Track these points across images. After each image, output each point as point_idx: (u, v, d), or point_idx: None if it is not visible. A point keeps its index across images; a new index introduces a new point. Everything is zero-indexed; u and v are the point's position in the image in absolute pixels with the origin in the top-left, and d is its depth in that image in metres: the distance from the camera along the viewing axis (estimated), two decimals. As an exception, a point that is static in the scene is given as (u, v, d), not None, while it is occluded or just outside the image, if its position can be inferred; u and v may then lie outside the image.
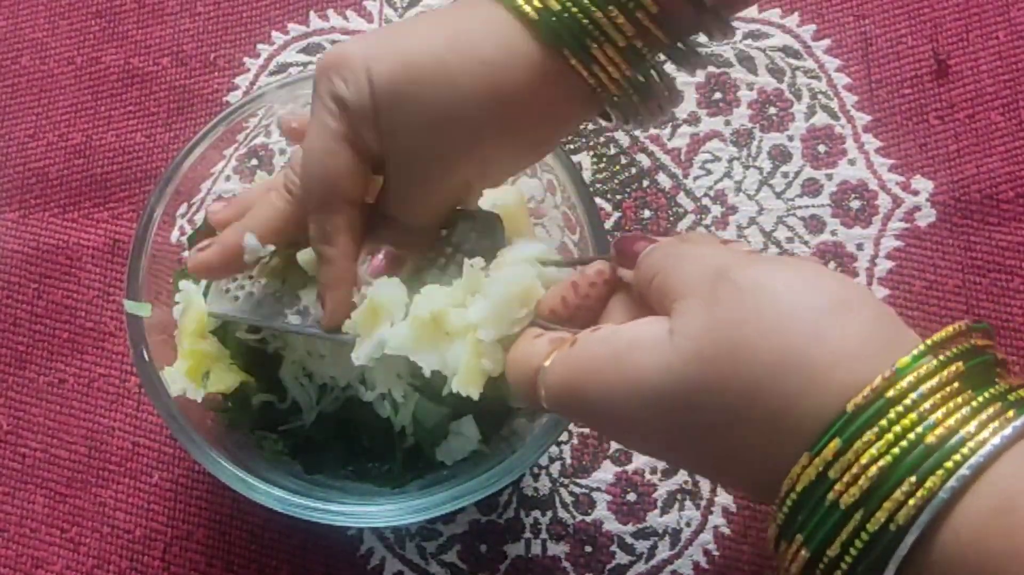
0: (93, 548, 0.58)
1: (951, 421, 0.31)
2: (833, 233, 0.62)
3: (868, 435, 0.31)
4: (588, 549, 0.57)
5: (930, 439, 0.30)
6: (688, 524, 0.57)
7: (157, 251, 0.52)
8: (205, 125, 0.53)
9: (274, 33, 0.68)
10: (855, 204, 0.63)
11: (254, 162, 0.59)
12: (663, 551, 0.57)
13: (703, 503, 0.58)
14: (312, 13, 0.68)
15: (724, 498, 0.58)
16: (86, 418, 0.61)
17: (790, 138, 0.64)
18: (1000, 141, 0.63)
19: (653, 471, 0.58)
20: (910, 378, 0.31)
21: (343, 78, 0.42)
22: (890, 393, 0.31)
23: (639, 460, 0.58)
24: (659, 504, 0.58)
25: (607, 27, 0.41)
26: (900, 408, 0.31)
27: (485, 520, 0.58)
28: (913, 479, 0.30)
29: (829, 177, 0.63)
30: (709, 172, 0.64)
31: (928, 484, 0.30)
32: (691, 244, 0.38)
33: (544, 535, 0.58)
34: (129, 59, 0.68)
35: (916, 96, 0.64)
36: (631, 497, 0.58)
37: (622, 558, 0.57)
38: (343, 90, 0.43)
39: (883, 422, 0.31)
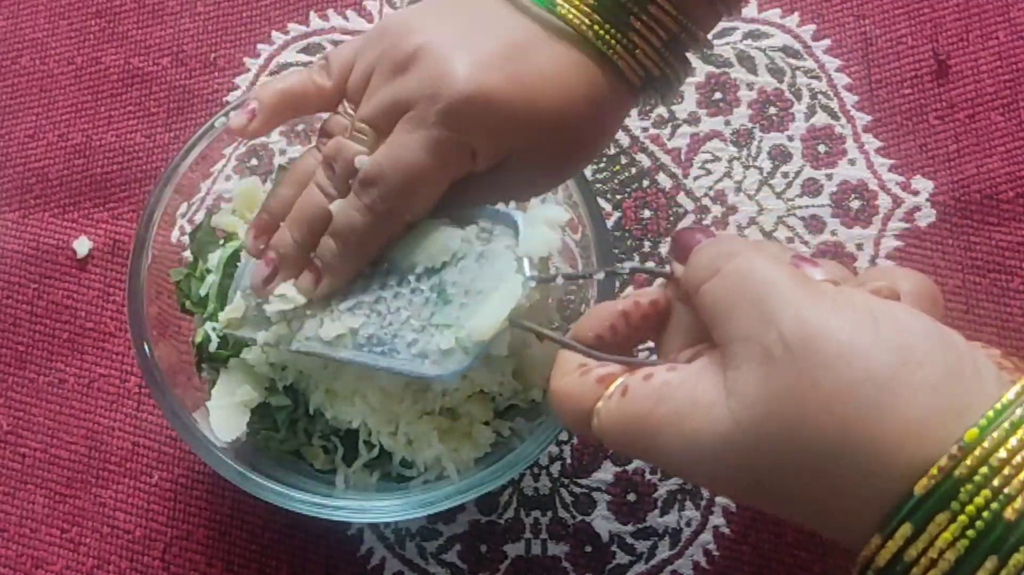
0: (93, 548, 0.58)
1: None
2: (833, 233, 0.62)
3: (940, 518, 0.29)
4: (588, 549, 0.57)
5: (1008, 514, 0.29)
6: (688, 524, 0.57)
7: (158, 251, 0.52)
8: (205, 125, 0.53)
9: (274, 33, 0.68)
10: (855, 204, 0.63)
11: (254, 161, 0.59)
12: (663, 551, 0.57)
13: (703, 503, 0.58)
14: (312, 13, 0.68)
15: (724, 498, 0.58)
16: (86, 418, 0.61)
17: (790, 138, 0.64)
18: (1000, 141, 0.63)
19: (653, 471, 0.58)
20: (978, 452, 0.29)
21: (477, 125, 0.42)
22: (958, 472, 0.29)
23: (639, 460, 0.58)
24: (659, 504, 0.58)
25: (646, 31, 0.43)
26: (971, 487, 0.29)
27: (485, 520, 0.58)
28: (996, 558, 0.29)
29: (829, 177, 0.63)
30: (709, 172, 0.64)
31: (1012, 562, 0.29)
32: (744, 247, 0.36)
33: (544, 535, 0.57)
34: (129, 59, 0.68)
35: (916, 96, 0.64)
36: (631, 497, 0.58)
37: (622, 558, 0.57)
38: (476, 140, 0.43)
39: (955, 504, 0.29)
